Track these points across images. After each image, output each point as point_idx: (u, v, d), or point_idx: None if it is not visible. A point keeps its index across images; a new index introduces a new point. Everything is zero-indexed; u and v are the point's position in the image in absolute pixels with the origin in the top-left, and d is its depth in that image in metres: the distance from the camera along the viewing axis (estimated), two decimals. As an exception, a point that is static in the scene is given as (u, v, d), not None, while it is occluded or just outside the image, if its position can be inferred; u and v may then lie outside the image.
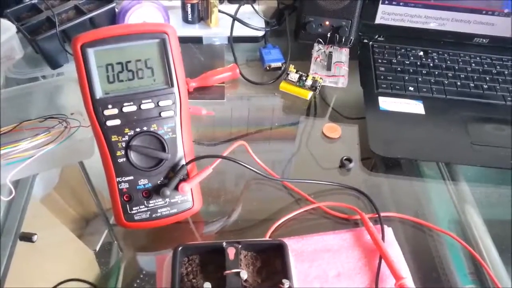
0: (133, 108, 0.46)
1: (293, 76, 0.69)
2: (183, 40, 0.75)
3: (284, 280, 0.39)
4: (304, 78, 0.68)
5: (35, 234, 0.49)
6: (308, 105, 0.69)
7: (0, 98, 0.62)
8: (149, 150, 0.47)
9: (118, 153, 0.46)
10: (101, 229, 0.53)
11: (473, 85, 0.70)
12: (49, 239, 0.51)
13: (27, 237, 0.49)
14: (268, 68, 0.73)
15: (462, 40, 0.76)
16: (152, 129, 0.47)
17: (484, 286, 0.49)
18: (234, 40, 0.75)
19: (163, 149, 0.47)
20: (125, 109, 0.45)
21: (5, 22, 0.68)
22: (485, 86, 0.70)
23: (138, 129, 0.46)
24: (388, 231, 0.51)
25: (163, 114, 0.47)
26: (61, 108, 0.63)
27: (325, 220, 0.54)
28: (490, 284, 0.49)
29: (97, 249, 0.51)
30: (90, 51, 0.44)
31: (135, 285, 0.47)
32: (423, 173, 0.61)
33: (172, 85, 0.47)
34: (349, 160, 0.60)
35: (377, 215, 0.53)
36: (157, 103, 0.46)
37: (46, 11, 0.69)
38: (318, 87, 0.68)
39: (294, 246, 0.49)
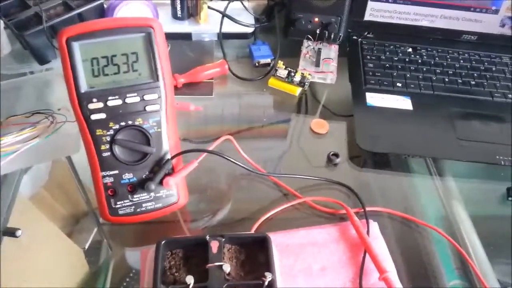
0: (118, 102, 0.46)
1: (282, 72, 0.69)
2: (172, 37, 0.77)
3: (266, 273, 0.39)
4: (292, 74, 0.68)
5: (19, 229, 0.49)
6: (297, 101, 0.69)
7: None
8: (134, 144, 0.47)
9: (103, 147, 0.46)
10: (91, 227, 0.53)
11: (461, 81, 0.70)
12: (37, 237, 0.51)
13: (10, 232, 0.48)
14: (257, 64, 0.73)
15: (451, 37, 0.76)
16: (137, 123, 0.47)
17: (470, 281, 0.49)
18: (223, 37, 0.75)
19: (148, 143, 0.47)
20: (110, 103, 0.45)
21: (-8, 18, 0.68)
22: (473, 82, 0.70)
23: (123, 123, 0.46)
24: (374, 225, 0.51)
25: (148, 108, 0.47)
26: (49, 103, 0.63)
27: (311, 215, 0.54)
28: (475, 279, 0.49)
29: (86, 247, 0.51)
30: (75, 45, 0.44)
31: (125, 283, 0.47)
32: (410, 168, 0.61)
33: (158, 79, 0.47)
34: (336, 155, 0.60)
35: (363, 210, 0.53)
36: (142, 97, 0.46)
37: (34, 6, 0.68)
38: (306, 83, 0.68)
39: (280, 240, 0.49)
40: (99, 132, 0.46)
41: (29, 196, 0.56)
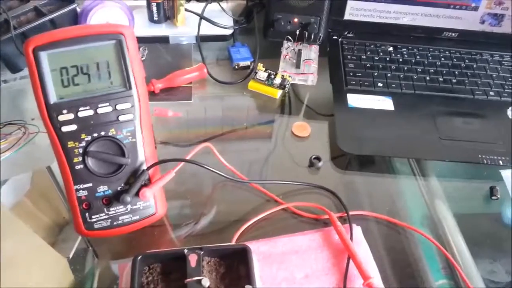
0: (90, 112, 0.44)
1: (262, 74, 0.68)
2: (149, 40, 0.75)
3: (247, 286, 0.38)
4: (272, 77, 0.67)
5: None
6: (277, 104, 0.68)
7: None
8: (107, 155, 0.45)
9: (75, 160, 0.44)
10: (75, 235, 0.51)
11: (442, 79, 0.70)
12: (20, 247, 0.50)
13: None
14: (236, 67, 0.72)
15: (432, 34, 0.76)
16: (110, 134, 0.45)
17: (456, 280, 0.49)
18: (202, 39, 0.74)
19: (123, 154, 0.46)
20: (81, 114, 0.44)
21: (-39, 25, 0.66)
22: (454, 81, 0.70)
23: (95, 134, 0.45)
24: (357, 230, 0.51)
25: (121, 118, 0.45)
26: (23, 112, 0.61)
27: (294, 221, 0.53)
28: (460, 279, 0.49)
29: (71, 256, 0.49)
30: (43, 55, 0.43)
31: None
32: (394, 169, 0.61)
33: (130, 88, 0.45)
34: (318, 159, 0.59)
35: (346, 214, 0.52)
36: (115, 106, 0.45)
37: (3, 13, 0.66)
38: (287, 86, 0.67)
39: (262, 248, 0.48)
40: (70, 144, 0.44)
41: (11, 205, 0.54)
